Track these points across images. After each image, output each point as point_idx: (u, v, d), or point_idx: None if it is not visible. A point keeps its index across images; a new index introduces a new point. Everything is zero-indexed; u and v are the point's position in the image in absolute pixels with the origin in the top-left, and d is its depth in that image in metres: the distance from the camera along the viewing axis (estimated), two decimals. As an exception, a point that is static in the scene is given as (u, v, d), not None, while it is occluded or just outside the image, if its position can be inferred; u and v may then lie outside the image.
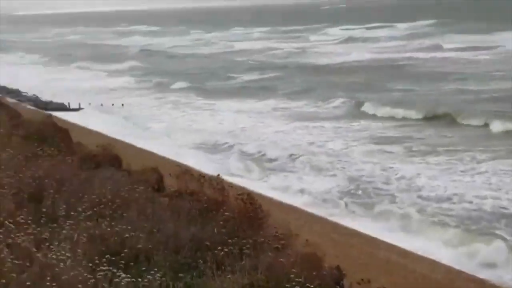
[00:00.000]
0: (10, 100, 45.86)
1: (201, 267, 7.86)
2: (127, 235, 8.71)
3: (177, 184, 11.54)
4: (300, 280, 6.97)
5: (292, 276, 7.10)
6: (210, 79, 61.32)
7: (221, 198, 10.20)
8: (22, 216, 10.00)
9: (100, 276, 7.65)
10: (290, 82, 56.14)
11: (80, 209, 9.97)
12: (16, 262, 8.24)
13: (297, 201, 21.64)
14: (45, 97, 52.21)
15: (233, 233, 8.70)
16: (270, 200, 18.30)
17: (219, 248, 8.07)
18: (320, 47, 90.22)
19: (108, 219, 9.64)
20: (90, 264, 8.03)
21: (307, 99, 46.33)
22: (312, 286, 6.94)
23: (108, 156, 13.47)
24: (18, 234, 9.20)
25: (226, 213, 9.37)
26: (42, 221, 9.94)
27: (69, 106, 47.26)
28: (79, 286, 7.49)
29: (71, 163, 13.25)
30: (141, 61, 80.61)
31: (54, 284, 7.59)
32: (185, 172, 11.85)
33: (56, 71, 75.21)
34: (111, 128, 35.13)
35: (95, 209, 10.00)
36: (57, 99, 50.69)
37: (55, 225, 9.63)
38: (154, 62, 79.46)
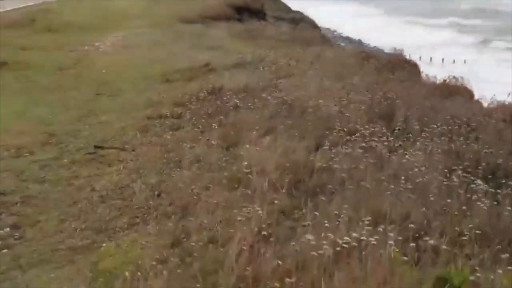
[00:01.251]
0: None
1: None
2: (485, 151, 8.55)
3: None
4: None
5: None
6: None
7: None
8: (376, 127, 10.48)
9: (456, 182, 7.61)
10: None
11: (434, 126, 10.03)
12: (371, 161, 8.69)
13: None
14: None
15: None
16: None
17: None
18: None
19: (462, 138, 9.57)
20: (446, 171, 8.07)
21: None
22: None
23: (459, 87, 13.34)
24: (372, 139, 9.69)
25: None
26: (395, 133, 10.28)
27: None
28: (434, 188, 7.61)
29: (421, 89, 13.39)
30: (473, 18, 77.02)
31: (408, 183, 7.82)
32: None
33: (387, 23, 75.66)
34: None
35: (449, 127, 9.99)
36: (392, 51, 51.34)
37: (409, 135, 9.89)
38: (486, 19, 75.22)
